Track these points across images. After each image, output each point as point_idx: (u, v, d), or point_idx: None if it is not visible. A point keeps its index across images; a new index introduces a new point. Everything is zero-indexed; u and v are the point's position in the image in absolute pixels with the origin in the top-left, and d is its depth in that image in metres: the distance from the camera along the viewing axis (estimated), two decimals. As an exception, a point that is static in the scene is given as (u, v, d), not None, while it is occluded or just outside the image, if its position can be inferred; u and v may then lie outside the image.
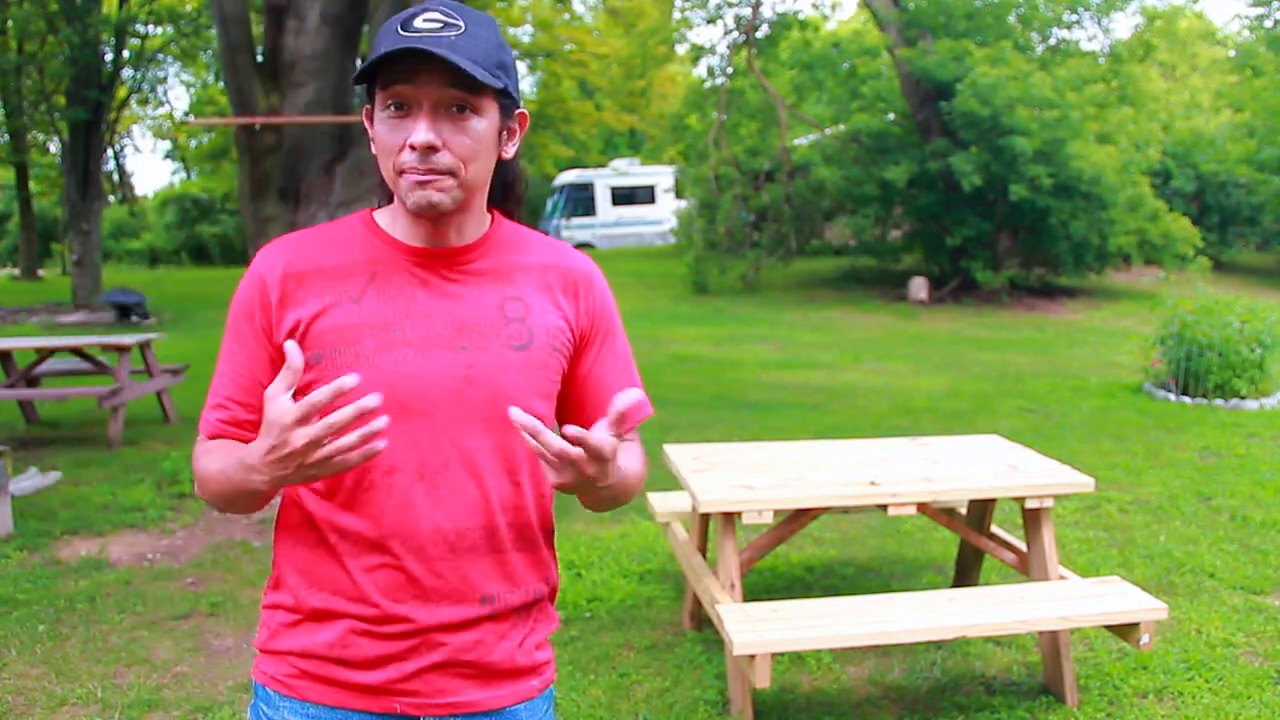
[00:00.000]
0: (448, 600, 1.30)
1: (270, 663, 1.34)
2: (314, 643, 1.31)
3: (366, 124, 1.31)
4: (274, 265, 1.30)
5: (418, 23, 1.21)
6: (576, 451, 1.14)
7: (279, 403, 1.11)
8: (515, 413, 1.13)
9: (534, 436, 1.13)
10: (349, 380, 1.09)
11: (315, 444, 1.11)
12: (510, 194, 1.40)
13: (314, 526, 1.31)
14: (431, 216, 1.27)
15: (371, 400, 1.09)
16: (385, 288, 1.29)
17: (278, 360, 1.27)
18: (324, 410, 1.11)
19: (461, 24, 1.22)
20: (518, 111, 1.32)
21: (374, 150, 1.30)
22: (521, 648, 1.37)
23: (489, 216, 1.37)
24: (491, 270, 1.34)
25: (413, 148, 1.22)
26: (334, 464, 1.13)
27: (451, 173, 1.24)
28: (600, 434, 1.16)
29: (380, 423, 1.11)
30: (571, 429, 1.14)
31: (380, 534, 1.28)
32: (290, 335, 1.27)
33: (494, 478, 1.31)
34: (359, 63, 5.91)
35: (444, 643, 1.30)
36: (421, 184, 1.23)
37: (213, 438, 1.32)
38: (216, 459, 1.27)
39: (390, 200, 1.37)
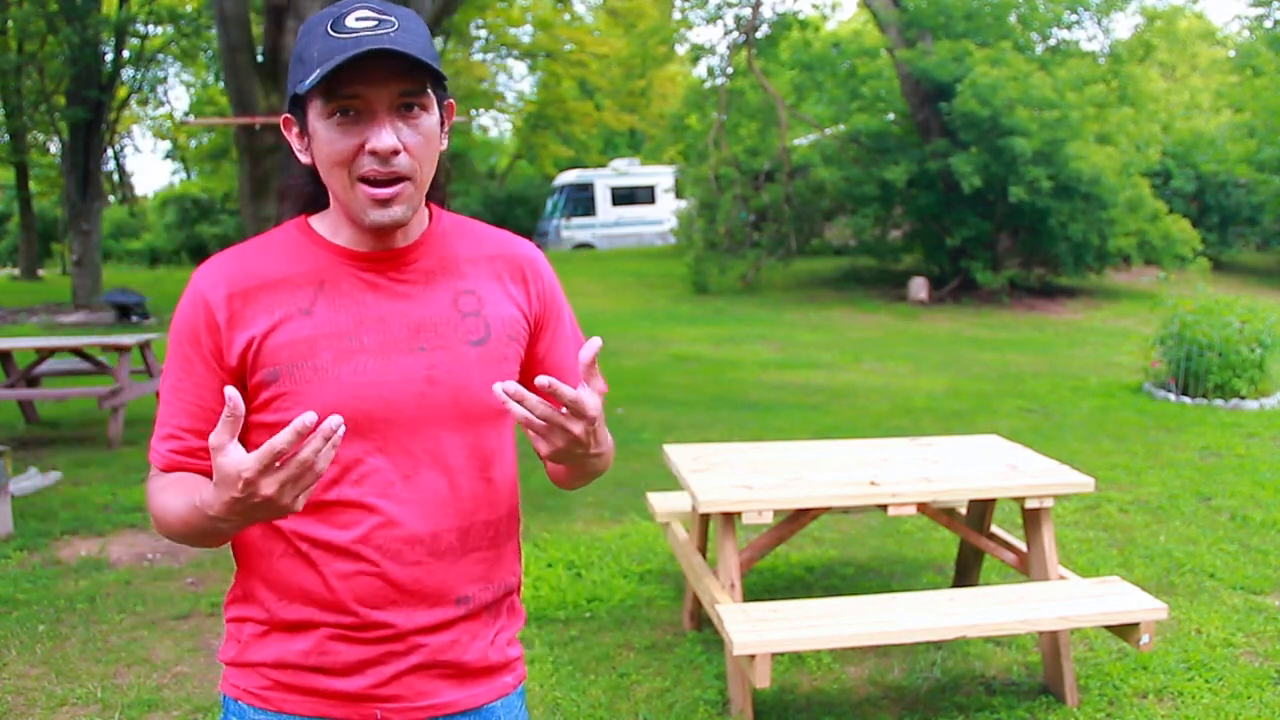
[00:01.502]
0: (425, 604, 1.28)
1: (241, 675, 1.31)
2: (288, 652, 1.28)
3: (290, 134, 1.27)
4: (216, 284, 1.25)
5: (350, 22, 1.17)
6: (565, 403, 1.12)
7: (232, 453, 1.05)
8: (499, 387, 1.12)
9: (519, 402, 1.11)
10: (308, 418, 1.03)
11: (290, 482, 1.05)
12: (434, 186, 1.35)
13: (281, 538, 1.27)
14: (392, 228, 1.25)
15: (335, 421, 1.04)
16: (335, 296, 1.26)
17: (230, 384, 1.23)
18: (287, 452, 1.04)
19: (394, 20, 1.18)
20: (446, 101, 1.29)
21: (307, 159, 1.26)
22: (494, 645, 1.36)
23: (427, 211, 1.34)
24: (439, 266, 1.31)
25: (374, 153, 1.18)
26: (304, 497, 1.08)
27: (409, 176, 1.21)
28: (579, 391, 1.14)
29: (339, 431, 1.05)
30: (543, 378, 1.10)
31: (355, 541, 1.25)
32: (243, 355, 1.23)
33: (465, 476, 1.29)
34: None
35: (422, 645, 1.29)
36: (382, 202, 1.21)
37: (167, 469, 1.27)
38: (173, 497, 1.22)
39: (308, 210, 1.33)
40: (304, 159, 1.27)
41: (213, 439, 1.06)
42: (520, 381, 1.35)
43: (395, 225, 1.23)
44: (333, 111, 1.19)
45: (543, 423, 1.13)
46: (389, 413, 1.24)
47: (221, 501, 1.07)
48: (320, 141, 1.21)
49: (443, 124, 1.28)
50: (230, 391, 1.04)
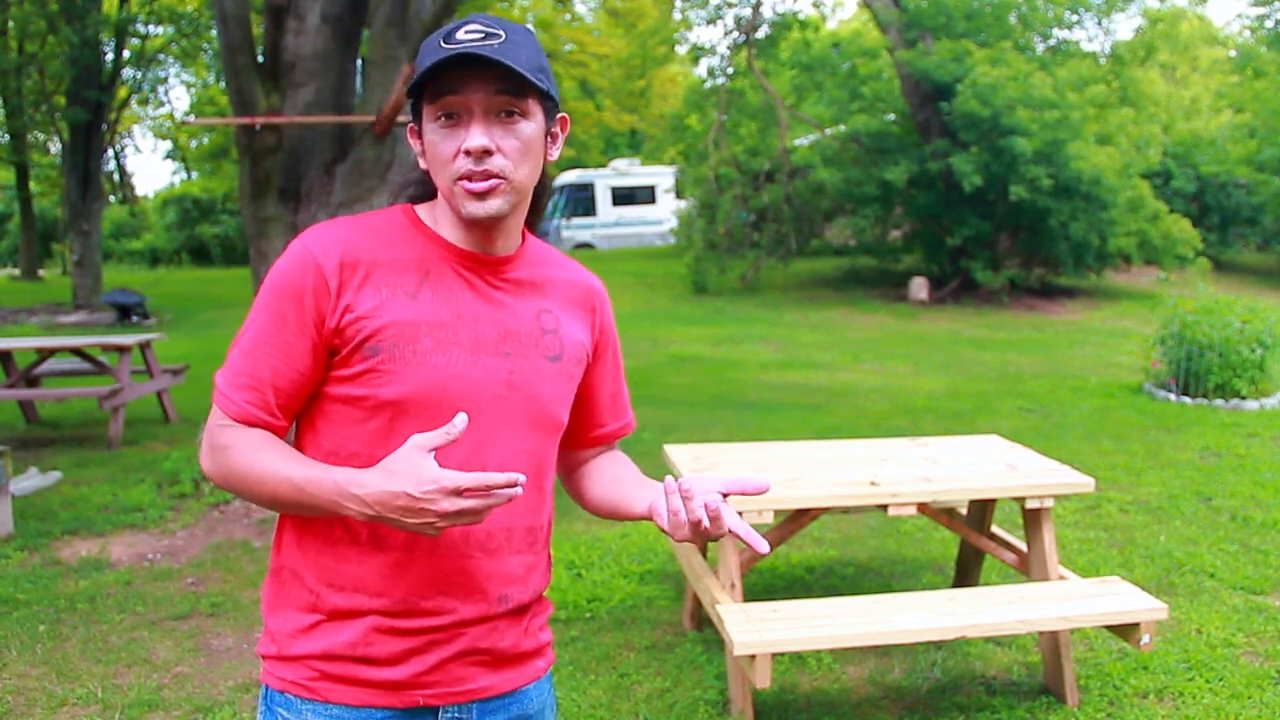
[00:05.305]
0: (470, 598, 1.33)
1: (286, 668, 1.34)
2: (334, 644, 1.31)
3: (414, 141, 1.34)
4: (330, 251, 1.28)
5: (460, 35, 1.25)
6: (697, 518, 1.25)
7: (430, 465, 1.15)
8: (670, 480, 1.28)
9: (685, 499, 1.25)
10: (460, 421, 1.18)
11: (465, 513, 1.16)
12: (535, 204, 1.42)
13: (342, 523, 1.30)
14: (487, 223, 1.30)
15: (521, 479, 1.16)
16: (438, 287, 1.31)
17: (320, 349, 1.28)
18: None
19: (502, 33, 1.25)
20: (559, 115, 1.36)
21: (424, 164, 1.33)
22: (527, 632, 1.42)
23: (521, 232, 1.41)
24: (529, 281, 1.38)
25: (468, 153, 1.25)
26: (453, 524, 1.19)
27: (504, 176, 1.27)
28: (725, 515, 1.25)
29: (516, 492, 1.17)
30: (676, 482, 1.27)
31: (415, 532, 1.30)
32: (347, 324, 1.26)
33: (525, 482, 1.33)
34: (361, 63, 5.91)
35: (463, 634, 1.34)
36: (478, 195, 1.26)
37: (240, 420, 1.28)
38: (273, 458, 1.25)
39: (418, 198, 1.40)
40: (423, 163, 1.33)
41: (421, 439, 1.17)
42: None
43: (491, 219, 1.29)
44: (437, 115, 1.27)
45: (682, 520, 1.26)
46: (470, 408, 1.28)
47: (388, 492, 1.16)
48: (428, 144, 1.29)
49: (552, 136, 1.35)
50: (461, 418, 1.18)
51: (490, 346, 1.32)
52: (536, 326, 1.36)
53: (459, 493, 1.14)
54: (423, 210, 1.38)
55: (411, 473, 1.15)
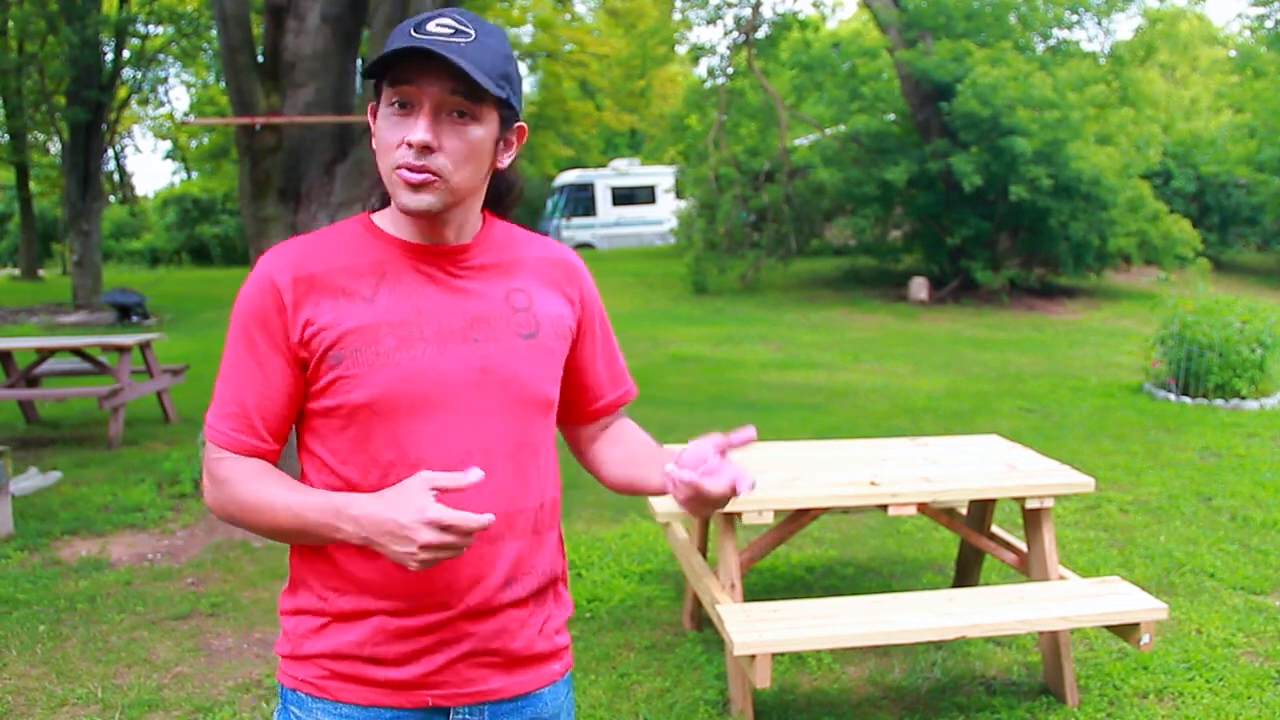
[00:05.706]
0: (472, 588, 1.33)
1: (298, 667, 1.36)
2: (343, 643, 1.33)
3: (370, 120, 1.34)
4: (282, 270, 1.30)
5: (430, 26, 1.25)
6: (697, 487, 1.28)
7: (424, 497, 1.18)
8: (669, 467, 1.31)
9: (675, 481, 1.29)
10: (475, 474, 1.20)
11: (443, 546, 1.17)
12: (501, 203, 1.43)
13: None
14: (424, 217, 1.30)
15: (489, 519, 1.18)
16: (396, 286, 1.32)
17: (294, 364, 1.30)
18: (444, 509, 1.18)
19: (472, 32, 1.25)
20: (517, 124, 1.35)
21: (374, 146, 1.33)
22: (542, 633, 1.41)
23: (482, 216, 1.41)
24: (493, 264, 1.38)
25: (409, 145, 1.25)
26: (429, 563, 1.21)
27: (441, 175, 1.26)
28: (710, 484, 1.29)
29: (488, 521, 1.19)
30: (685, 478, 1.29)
31: None
32: (309, 337, 1.28)
33: (513, 464, 1.35)
34: (360, 63, 5.91)
35: (470, 633, 1.34)
36: (412, 187, 1.27)
37: (231, 449, 1.31)
38: (275, 490, 1.28)
39: (387, 203, 1.40)
40: (374, 144, 1.34)
41: (428, 476, 1.20)
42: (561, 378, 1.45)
43: (424, 212, 1.29)
44: (391, 101, 1.28)
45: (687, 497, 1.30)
46: (445, 399, 1.30)
47: (381, 516, 1.19)
48: (378, 129, 1.30)
49: (506, 144, 1.35)
50: (475, 472, 1.20)
51: (458, 335, 1.32)
52: (506, 307, 1.36)
53: (442, 527, 1.16)
54: (381, 216, 1.38)
55: (406, 501, 1.18)
